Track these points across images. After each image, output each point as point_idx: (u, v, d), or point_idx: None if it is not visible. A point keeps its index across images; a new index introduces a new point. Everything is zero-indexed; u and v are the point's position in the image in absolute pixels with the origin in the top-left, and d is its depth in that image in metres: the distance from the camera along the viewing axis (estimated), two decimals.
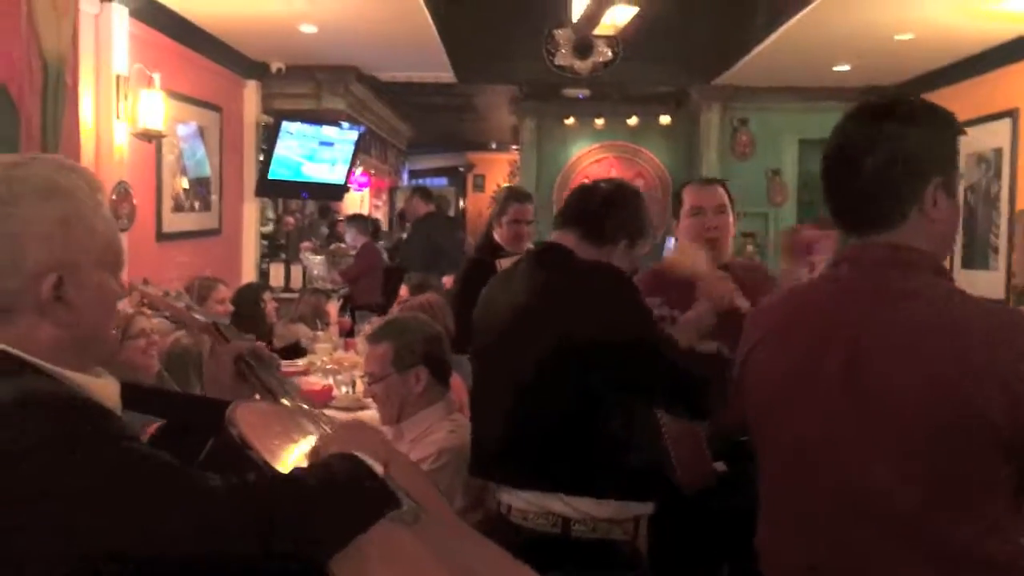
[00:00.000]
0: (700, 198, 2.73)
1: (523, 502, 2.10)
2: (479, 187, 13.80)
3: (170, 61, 5.45)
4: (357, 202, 10.94)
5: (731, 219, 2.75)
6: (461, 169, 14.13)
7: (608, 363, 2.01)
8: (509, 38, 7.23)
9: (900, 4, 5.03)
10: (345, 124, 7.46)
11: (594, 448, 2.04)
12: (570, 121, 8.82)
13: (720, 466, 2.28)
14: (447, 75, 7.45)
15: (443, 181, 14.64)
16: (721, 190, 2.80)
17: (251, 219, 7.14)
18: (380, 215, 12.18)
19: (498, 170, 13.13)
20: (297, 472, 1.27)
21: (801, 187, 8.14)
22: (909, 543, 1.37)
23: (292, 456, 1.37)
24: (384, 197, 12.61)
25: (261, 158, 6.98)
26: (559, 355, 2.04)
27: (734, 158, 8.11)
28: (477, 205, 13.89)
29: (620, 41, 7.75)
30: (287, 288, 7.16)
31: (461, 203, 14.32)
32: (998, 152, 6.12)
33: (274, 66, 6.90)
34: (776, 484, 1.55)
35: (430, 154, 14.11)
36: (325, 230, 9.58)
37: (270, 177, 6.86)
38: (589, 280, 2.10)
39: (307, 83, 7.16)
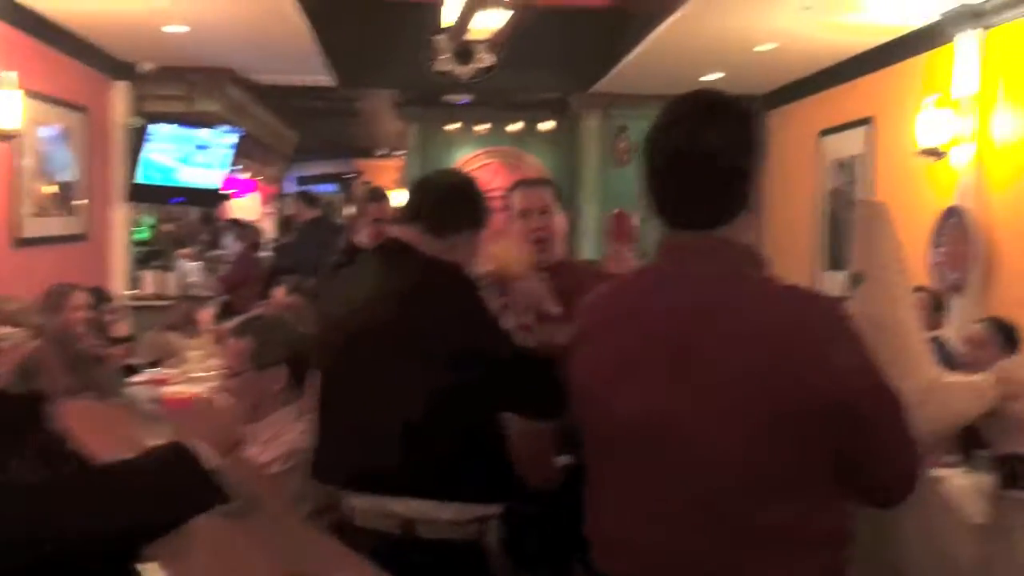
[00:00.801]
0: (527, 200, 2.75)
1: (366, 504, 2.10)
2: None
3: (29, 60, 5.23)
4: (246, 208, 10.71)
5: (558, 220, 2.78)
6: (349, 175, 13.98)
7: (450, 364, 2.01)
8: (390, 42, 7.20)
9: (761, 15, 5.24)
10: (225, 127, 7.30)
11: (436, 451, 2.03)
12: (453, 127, 8.85)
13: (565, 459, 2.30)
14: (327, 79, 7.37)
15: (332, 187, 14.46)
16: (547, 191, 2.83)
17: (121, 225, 6.90)
18: (270, 221, 11.96)
19: (386, 177, 13.03)
20: (116, 464, 1.24)
21: None
22: (735, 525, 1.41)
23: (116, 450, 1.35)
24: (274, 204, 12.40)
25: (131, 161, 6.77)
26: (398, 357, 2.04)
27: (614, 164, 8.27)
28: None
29: (501, 47, 7.83)
30: (160, 296, 6.97)
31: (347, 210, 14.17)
32: (856, 158, 6.42)
33: (144, 66, 6.69)
34: (603, 474, 1.58)
35: (318, 160, 13.92)
36: (206, 237, 9.36)
37: (142, 181, 6.65)
38: (429, 280, 2.11)
39: (179, 85, 6.98)
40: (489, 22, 5.00)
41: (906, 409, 1.50)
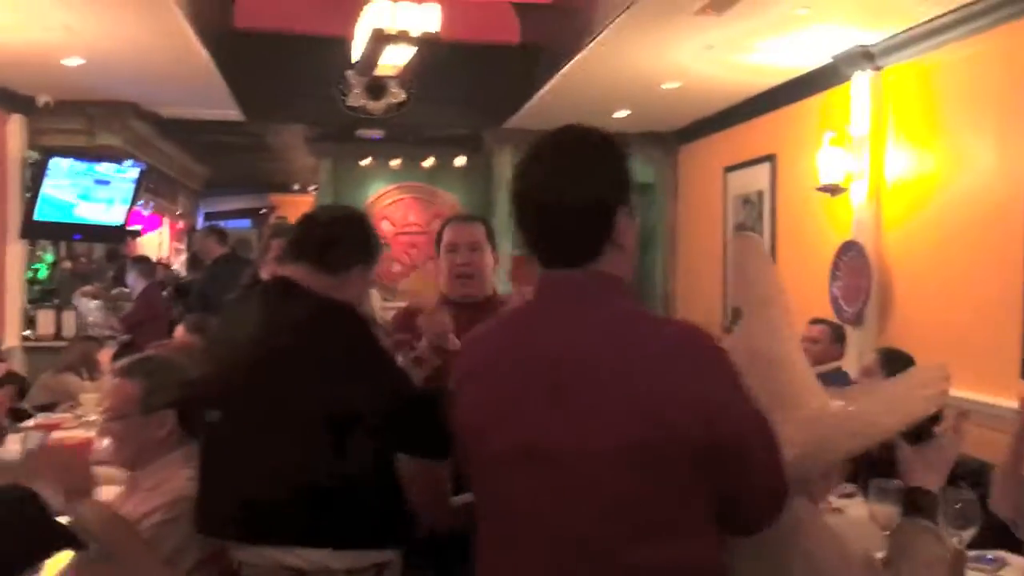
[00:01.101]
0: (456, 235, 2.78)
1: (255, 556, 2.01)
2: None
3: None
4: (155, 245, 10.42)
5: (488, 255, 2.81)
6: (263, 211, 13.77)
7: (338, 405, 1.96)
8: (299, 77, 7.13)
9: (665, 54, 5.34)
10: (128, 162, 7.11)
11: (325, 496, 1.96)
12: (366, 162, 8.79)
13: (467, 497, 2.26)
14: (234, 113, 7.25)
15: (246, 223, 14.21)
16: (479, 227, 2.85)
17: (15, 263, 6.62)
18: (181, 258, 11.65)
19: (301, 212, 12.87)
20: None
21: None
22: (609, 564, 1.39)
23: None
24: (186, 240, 12.10)
25: (28, 196, 6.52)
26: (283, 400, 1.98)
27: None
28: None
29: (413, 83, 7.84)
30: (58, 336, 6.70)
31: None
32: (760, 194, 6.58)
33: (40, 99, 6.48)
34: (484, 513, 1.55)
35: (231, 195, 13.68)
36: (111, 274, 9.07)
37: (37, 218, 6.41)
38: (317, 319, 2.06)
39: (78, 118, 6.77)
40: (396, 58, 4.98)
41: (776, 440, 1.50)
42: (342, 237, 2.18)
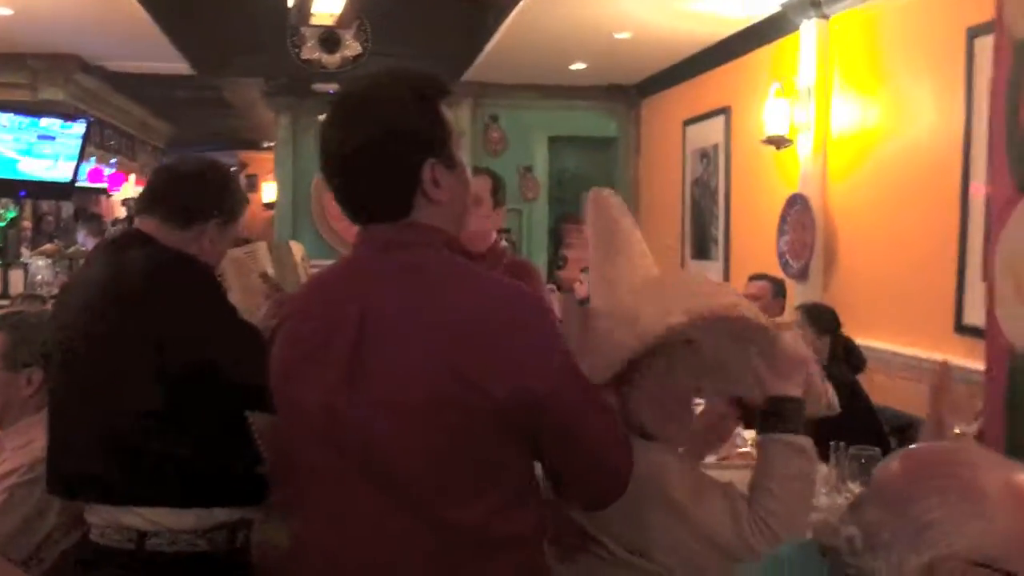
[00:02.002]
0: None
1: (98, 517, 1.95)
2: (252, 187, 13.33)
3: None
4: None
5: (486, 208, 2.79)
6: (233, 168, 13.60)
7: (177, 361, 1.88)
8: (248, 29, 6.95)
9: (609, 3, 5.20)
10: (81, 118, 6.95)
11: (163, 456, 1.89)
12: (324, 117, 8.61)
13: None
14: (183, 67, 7.08)
15: None
16: (483, 180, 2.79)
17: None
18: None
19: (271, 169, 12.73)
20: None
21: (553, 183, 8.33)
22: (423, 524, 1.33)
23: None
24: None
25: None
26: (121, 356, 1.90)
27: (487, 154, 8.19)
28: (251, 206, 13.40)
29: (368, 36, 7.67)
30: (4, 295, 6.59)
31: None
32: (715, 148, 6.47)
33: None
34: (293, 467, 1.48)
35: (198, 153, 13.50)
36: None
37: None
38: (159, 273, 1.97)
39: (19, 72, 6.61)
40: (328, 5, 4.83)
41: (605, 412, 1.43)
42: (197, 189, 2.08)
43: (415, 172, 1.37)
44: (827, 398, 1.71)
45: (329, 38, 7.64)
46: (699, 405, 3.33)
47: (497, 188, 2.80)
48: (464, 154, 1.49)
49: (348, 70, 7.74)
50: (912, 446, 1.10)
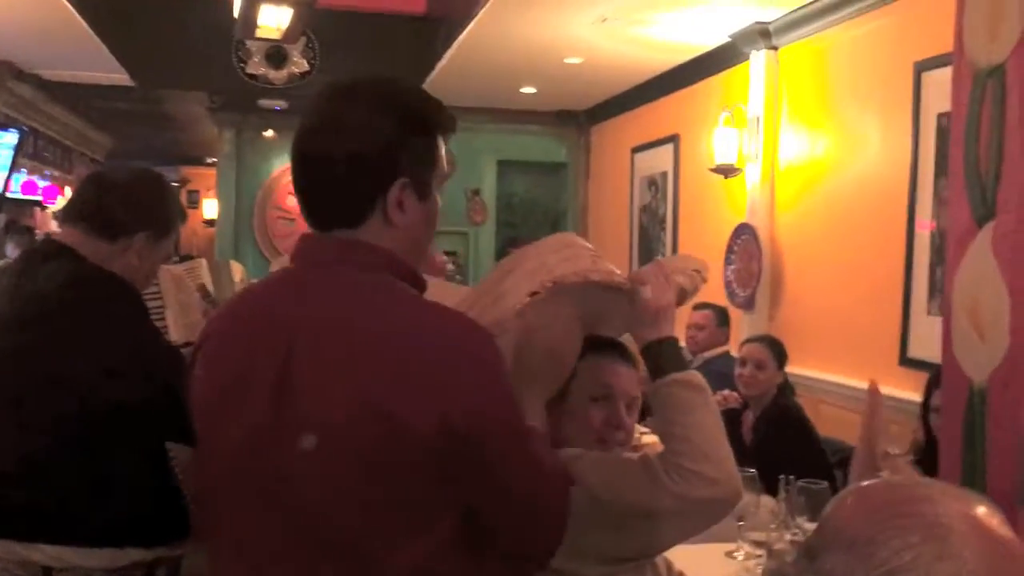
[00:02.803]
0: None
1: (2, 551, 1.79)
2: (194, 203, 13.05)
3: None
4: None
5: None
6: (175, 184, 13.32)
7: (88, 392, 1.74)
8: (192, 41, 6.79)
9: (558, 27, 5.16)
10: (12, 128, 6.70)
11: (77, 488, 1.75)
12: (269, 134, 8.46)
13: None
14: (123, 77, 6.88)
15: None
16: None
17: None
18: None
19: (213, 185, 12.49)
20: None
21: (501, 207, 8.27)
22: (350, 569, 1.22)
23: None
24: None
25: None
26: (29, 379, 1.75)
27: None
28: (191, 222, 13.13)
29: (316, 53, 7.55)
30: None
31: None
32: (664, 175, 6.46)
33: None
34: (216, 514, 1.35)
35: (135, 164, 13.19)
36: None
37: None
38: (77, 288, 1.83)
39: None
40: (274, 19, 4.71)
41: (547, 454, 1.33)
42: (126, 200, 1.94)
43: (379, 184, 1.28)
44: (698, 281, 1.67)
45: (276, 53, 7.51)
46: (646, 433, 3.27)
47: None
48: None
49: (295, 86, 7.62)
50: (864, 483, 1.01)
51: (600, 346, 1.62)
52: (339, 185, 1.28)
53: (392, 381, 1.19)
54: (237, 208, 8.50)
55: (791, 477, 2.63)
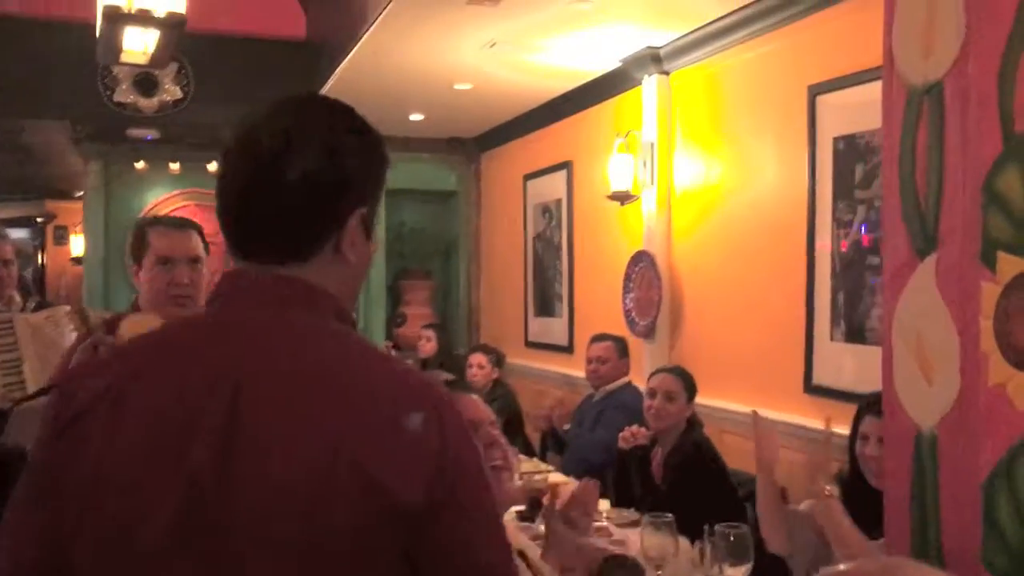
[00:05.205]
0: (170, 245, 2.34)
1: None
2: (61, 240, 12.28)
3: None
4: None
5: (206, 269, 2.41)
6: (40, 219, 12.50)
7: None
8: (51, 67, 6.32)
9: (446, 52, 4.98)
10: None
11: None
12: (141, 165, 7.98)
13: None
14: None
15: (23, 232, 12.87)
16: (195, 236, 2.44)
17: None
18: None
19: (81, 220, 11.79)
20: None
21: (391, 238, 7.99)
22: None
23: None
24: None
25: None
26: None
27: None
28: (59, 260, 12.35)
29: (190, 80, 7.17)
30: None
31: (41, 257, 12.65)
32: (558, 203, 6.34)
33: None
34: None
35: (5, 202, 12.33)
36: None
37: None
38: None
39: None
40: (140, 43, 4.35)
41: (507, 543, 1.14)
42: None
43: (343, 217, 1.11)
44: None
45: (145, 80, 7.10)
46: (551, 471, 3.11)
47: (206, 244, 2.49)
48: None
49: (167, 115, 7.21)
50: (842, 567, 0.98)
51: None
52: (291, 211, 1.09)
53: (367, 439, 1.00)
54: (107, 245, 7.97)
55: (713, 524, 2.52)
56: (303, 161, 1.08)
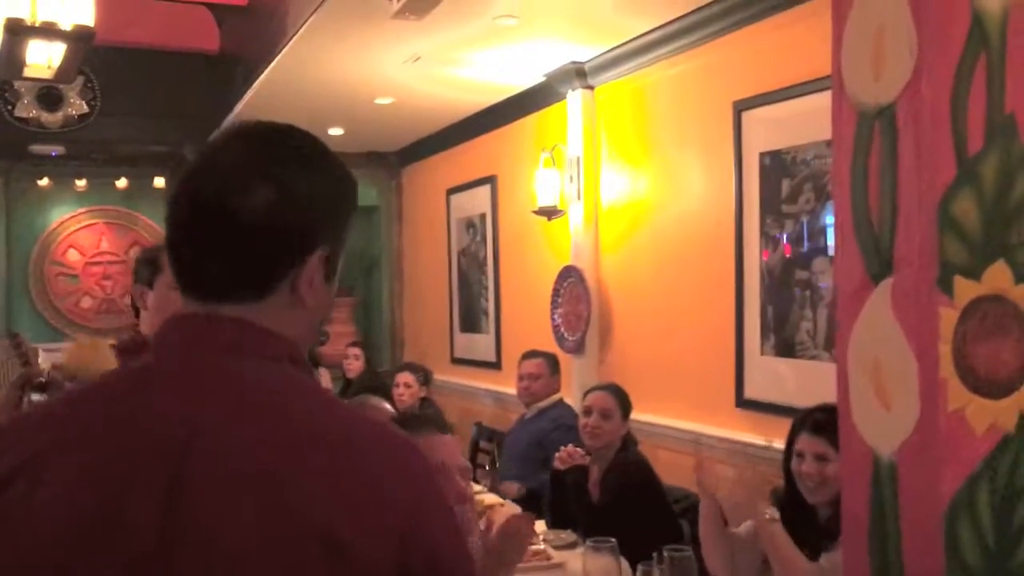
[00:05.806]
0: None
1: None
2: None
3: None
4: None
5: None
6: None
7: None
8: None
9: (368, 66, 4.87)
10: None
11: None
12: (44, 182, 7.65)
13: None
14: None
15: None
16: None
17: None
18: None
19: None
20: None
21: None
22: None
23: None
24: None
25: None
26: None
27: None
28: None
29: (97, 94, 6.90)
30: None
31: None
32: (482, 217, 6.28)
33: None
34: None
35: None
36: None
37: None
38: None
39: None
40: (45, 57, 4.14)
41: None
42: None
43: (304, 255, 1.02)
44: None
45: (49, 94, 6.81)
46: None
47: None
48: None
49: (73, 130, 6.93)
50: None
51: (417, 426, 1.43)
52: (248, 247, 1.01)
53: (332, 496, 0.92)
54: (9, 267, 7.62)
55: (650, 542, 2.51)
56: (256, 198, 0.99)
